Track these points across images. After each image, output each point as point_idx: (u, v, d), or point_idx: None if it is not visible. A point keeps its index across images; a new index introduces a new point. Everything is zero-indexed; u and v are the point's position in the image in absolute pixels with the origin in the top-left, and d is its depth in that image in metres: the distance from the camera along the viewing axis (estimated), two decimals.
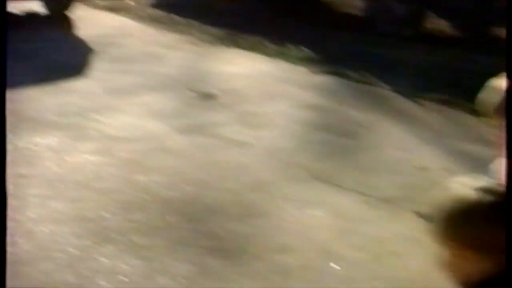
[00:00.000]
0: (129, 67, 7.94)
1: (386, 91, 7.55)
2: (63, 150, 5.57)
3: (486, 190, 1.68)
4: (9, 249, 2.13)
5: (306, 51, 8.81)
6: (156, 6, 11.22)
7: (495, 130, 2.79)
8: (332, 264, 4.17)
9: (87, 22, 9.89)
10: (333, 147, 5.98)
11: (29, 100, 6.61)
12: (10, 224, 2.14)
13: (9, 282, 2.07)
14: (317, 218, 4.72)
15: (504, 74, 2.60)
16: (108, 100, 6.81)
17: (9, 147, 5.29)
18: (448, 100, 7.20)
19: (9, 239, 2.12)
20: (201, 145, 5.89)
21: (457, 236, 1.70)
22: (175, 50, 8.89)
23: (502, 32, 8.43)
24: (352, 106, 7.01)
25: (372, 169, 5.55)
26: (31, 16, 9.94)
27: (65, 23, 9.76)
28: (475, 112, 5.76)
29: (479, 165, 3.22)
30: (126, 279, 3.90)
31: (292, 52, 8.81)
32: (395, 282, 4.06)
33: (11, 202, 4.31)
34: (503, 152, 2.12)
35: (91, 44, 8.67)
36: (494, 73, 2.87)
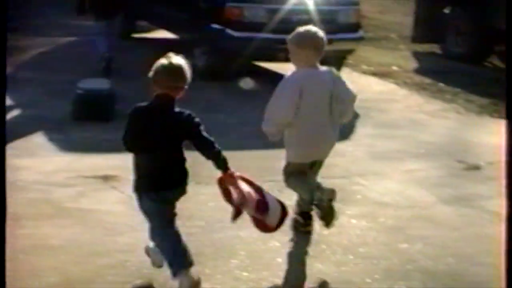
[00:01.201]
0: (393, 133, 8.00)
1: None
2: None
3: None
4: None
5: None
6: (421, 72, 11.25)
7: None
8: None
9: (352, 86, 10.07)
10: None
11: None
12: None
13: None
14: None
15: None
16: (373, 164, 6.89)
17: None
18: None
19: None
20: (466, 217, 5.76)
21: None
22: (440, 118, 8.83)
23: None
24: None
25: None
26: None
27: None
28: None
29: None
30: None
31: None
32: None
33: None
34: None
35: (357, 108, 8.81)
36: None
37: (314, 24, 9.18)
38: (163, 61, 4.28)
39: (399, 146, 7.50)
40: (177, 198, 4.32)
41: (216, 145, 4.41)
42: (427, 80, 10.73)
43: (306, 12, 9.39)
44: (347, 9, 9.98)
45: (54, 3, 13.65)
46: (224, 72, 9.24)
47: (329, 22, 9.64)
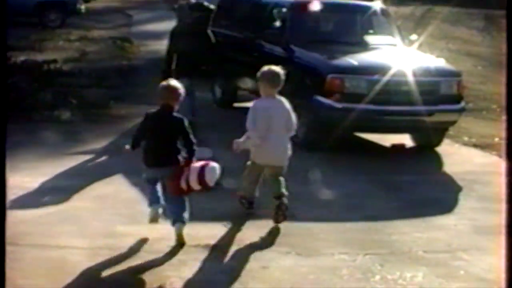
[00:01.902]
0: (497, 207, 7.79)
1: None
2: (429, 287, 5.59)
3: None
4: None
5: None
6: None
7: None
8: None
9: (454, 158, 9.99)
10: None
11: (397, 233, 6.77)
12: None
13: None
14: None
15: None
16: (476, 239, 6.74)
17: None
18: None
19: None
20: None
21: None
22: None
23: None
24: None
25: None
26: (400, 148, 10.27)
27: (433, 158, 9.94)
28: None
29: None
30: None
31: None
32: None
33: None
34: None
35: (458, 181, 8.72)
36: None
37: (415, 96, 9.32)
38: (164, 83, 6.45)
39: (504, 221, 7.30)
40: (162, 175, 6.38)
41: (194, 147, 6.33)
42: None
43: (407, 83, 9.40)
44: (449, 80, 9.92)
45: (157, 72, 14.07)
46: (324, 143, 9.29)
47: (430, 93, 9.62)
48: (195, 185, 6.34)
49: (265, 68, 6.90)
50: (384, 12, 11.57)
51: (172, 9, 13.20)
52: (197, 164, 6.36)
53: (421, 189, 8.38)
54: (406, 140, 10.34)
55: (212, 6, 12.91)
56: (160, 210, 6.35)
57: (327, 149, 9.31)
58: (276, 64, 10.66)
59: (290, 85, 10.06)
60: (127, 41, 19.49)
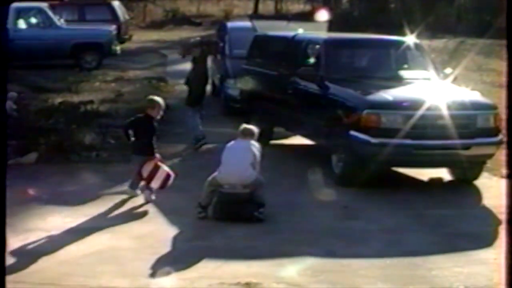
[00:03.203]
0: None
1: None
2: None
3: None
4: None
5: None
6: None
7: None
8: None
9: (492, 191, 9.90)
10: None
11: (437, 268, 6.73)
12: None
13: None
14: None
15: None
16: None
17: None
18: None
19: None
20: None
21: None
22: None
23: None
24: None
25: None
26: (436, 182, 10.23)
27: (471, 191, 9.88)
28: None
29: None
30: None
31: None
32: None
33: None
34: None
35: (498, 214, 8.65)
36: None
37: (451, 130, 9.30)
38: (149, 97, 9.66)
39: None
40: (138, 160, 8.87)
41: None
42: None
43: (443, 117, 9.38)
44: (485, 113, 9.87)
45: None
46: (361, 178, 9.28)
47: (466, 127, 9.58)
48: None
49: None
50: (418, 46, 11.59)
51: (182, 56, 14.04)
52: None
53: (460, 223, 8.33)
54: (443, 174, 10.29)
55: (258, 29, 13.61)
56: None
57: (364, 184, 9.29)
58: (311, 100, 10.87)
59: (326, 121, 10.18)
60: (162, 81, 19.70)
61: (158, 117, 9.13)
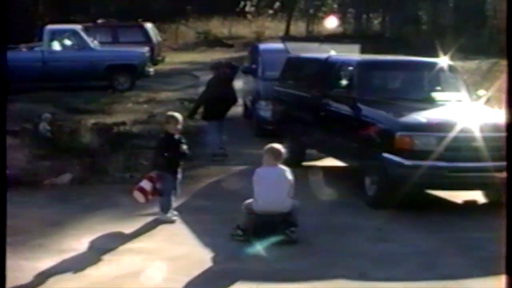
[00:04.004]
0: None
1: None
2: None
3: None
4: None
5: None
6: None
7: None
8: None
9: None
10: None
11: None
12: None
13: None
14: None
15: None
16: None
17: None
18: None
19: None
20: None
21: None
22: None
23: None
24: None
25: None
26: (470, 204, 10.15)
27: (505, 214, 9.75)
28: None
29: None
30: None
31: None
32: None
33: None
34: None
35: None
36: None
37: (485, 152, 9.21)
38: (168, 113, 9.57)
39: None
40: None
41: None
42: None
43: (476, 139, 9.31)
44: None
45: (228, 132, 14.24)
46: (394, 200, 9.23)
47: (500, 149, 9.48)
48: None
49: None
50: (451, 68, 11.54)
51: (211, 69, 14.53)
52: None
53: (495, 246, 8.19)
54: (478, 196, 10.21)
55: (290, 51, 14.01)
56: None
57: (397, 206, 9.24)
58: (344, 122, 10.86)
59: (358, 143, 10.16)
60: (194, 102, 19.79)
61: (176, 132, 9.03)
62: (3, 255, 3.08)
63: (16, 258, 7.41)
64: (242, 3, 43.15)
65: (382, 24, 43.75)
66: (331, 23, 38.04)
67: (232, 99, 13.64)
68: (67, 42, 22.18)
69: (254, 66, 17.06)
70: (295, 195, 8.32)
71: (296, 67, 13.41)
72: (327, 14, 43.38)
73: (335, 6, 45.56)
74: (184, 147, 9.06)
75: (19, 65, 21.34)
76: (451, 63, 11.76)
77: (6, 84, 3.48)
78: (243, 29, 42.94)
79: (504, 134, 9.64)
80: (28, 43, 23.83)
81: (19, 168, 11.55)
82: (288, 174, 8.28)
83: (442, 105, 10.57)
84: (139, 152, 12.30)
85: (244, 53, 24.61)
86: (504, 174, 9.48)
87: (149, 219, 8.95)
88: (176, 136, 9.03)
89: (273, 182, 8.17)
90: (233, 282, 6.81)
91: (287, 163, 12.85)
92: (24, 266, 7.19)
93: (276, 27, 43.02)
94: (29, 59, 21.87)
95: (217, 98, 13.17)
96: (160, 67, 27.19)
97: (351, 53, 13.21)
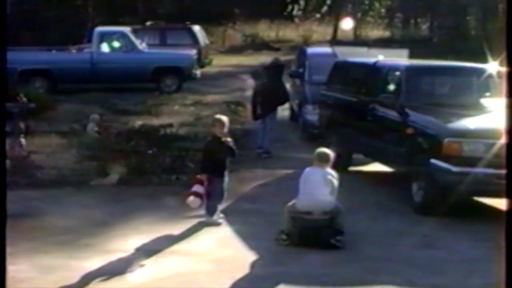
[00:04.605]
0: None
1: None
2: None
3: None
4: None
5: None
6: None
7: None
8: None
9: None
10: None
11: None
12: None
13: None
14: None
15: None
16: None
17: None
18: None
19: None
20: None
21: None
22: None
23: None
24: None
25: None
26: None
27: None
28: None
29: None
30: None
31: None
32: None
33: None
34: None
35: None
36: None
37: None
38: (215, 116, 9.58)
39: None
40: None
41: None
42: None
43: None
44: None
45: (276, 135, 14.25)
46: (442, 207, 9.14)
47: None
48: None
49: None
50: (500, 74, 11.38)
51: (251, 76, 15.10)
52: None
53: None
54: None
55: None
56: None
57: (445, 213, 9.15)
58: (391, 127, 10.78)
59: (406, 149, 10.08)
60: (241, 105, 19.85)
61: (223, 134, 9.07)
62: (3, 255, 3.12)
63: (64, 257, 7.51)
64: (289, 7, 43.09)
65: (431, 29, 43.37)
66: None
67: (283, 97, 14.08)
68: (116, 44, 22.39)
69: (301, 70, 17.05)
70: (341, 200, 8.29)
71: (343, 72, 13.35)
72: (374, 18, 43.17)
73: (383, 10, 45.27)
74: (231, 144, 9.13)
75: (69, 66, 21.70)
76: (500, 68, 11.60)
77: (6, 84, 3.55)
78: (290, 32, 42.90)
79: None
80: (77, 45, 24.14)
81: (67, 168, 11.72)
82: (331, 176, 8.32)
83: (490, 111, 10.43)
84: (186, 154, 12.36)
85: (291, 57, 24.62)
86: None
87: (195, 221, 8.98)
88: (223, 139, 9.09)
89: (317, 180, 8.28)
90: (276, 285, 6.81)
91: (333, 167, 12.85)
92: (71, 265, 7.27)
93: (323, 31, 42.89)
94: (78, 61, 22.16)
95: (265, 99, 13.61)
96: (207, 69, 27.31)
97: (399, 58, 13.11)
